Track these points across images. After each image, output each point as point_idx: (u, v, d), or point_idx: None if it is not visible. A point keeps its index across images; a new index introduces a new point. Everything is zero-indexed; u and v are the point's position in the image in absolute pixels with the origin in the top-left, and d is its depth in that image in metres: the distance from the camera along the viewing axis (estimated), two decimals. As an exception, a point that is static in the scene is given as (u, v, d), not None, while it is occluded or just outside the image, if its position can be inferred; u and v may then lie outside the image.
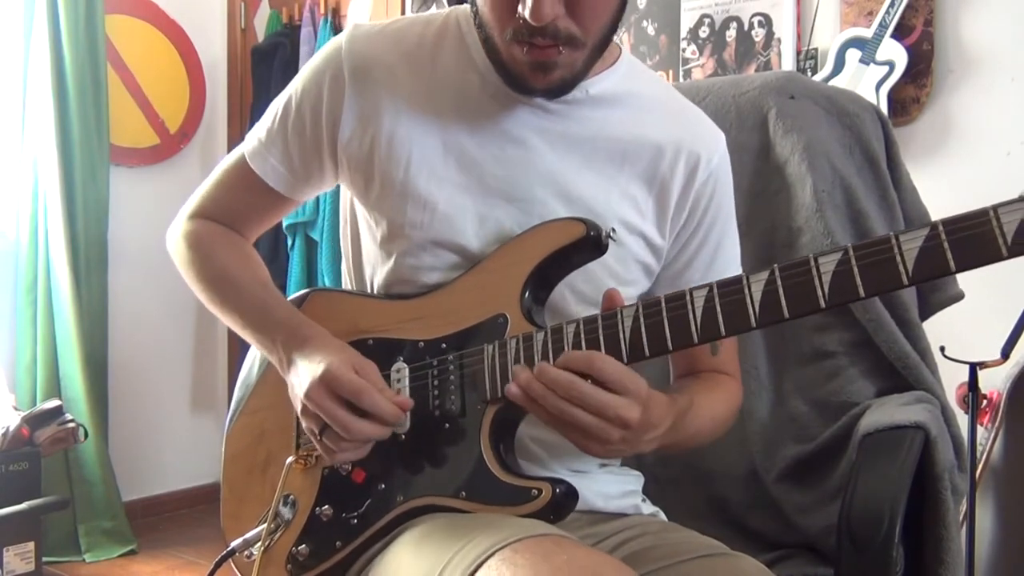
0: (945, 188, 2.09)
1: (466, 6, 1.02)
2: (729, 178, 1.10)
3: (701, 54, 2.59)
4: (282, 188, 1.10)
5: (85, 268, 3.05)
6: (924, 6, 2.25)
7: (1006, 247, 0.72)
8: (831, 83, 2.26)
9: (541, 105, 0.99)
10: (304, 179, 1.09)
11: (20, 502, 2.58)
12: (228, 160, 1.14)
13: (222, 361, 3.68)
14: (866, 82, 2.25)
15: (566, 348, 0.88)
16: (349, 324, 1.02)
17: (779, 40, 2.45)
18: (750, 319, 0.81)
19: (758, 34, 2.49)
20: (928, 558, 1.15)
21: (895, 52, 2.24)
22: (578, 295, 1.01)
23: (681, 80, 2.60)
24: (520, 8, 0.88)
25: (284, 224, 3.18)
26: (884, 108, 2.21)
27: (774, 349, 1.41)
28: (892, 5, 2.24)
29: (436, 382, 0.96)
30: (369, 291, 1.08)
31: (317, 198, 2.83)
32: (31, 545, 2.61)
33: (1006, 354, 1.78)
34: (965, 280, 1.08)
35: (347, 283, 1.15)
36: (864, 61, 2.27)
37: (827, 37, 2.39)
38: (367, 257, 1.08)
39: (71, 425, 2.75)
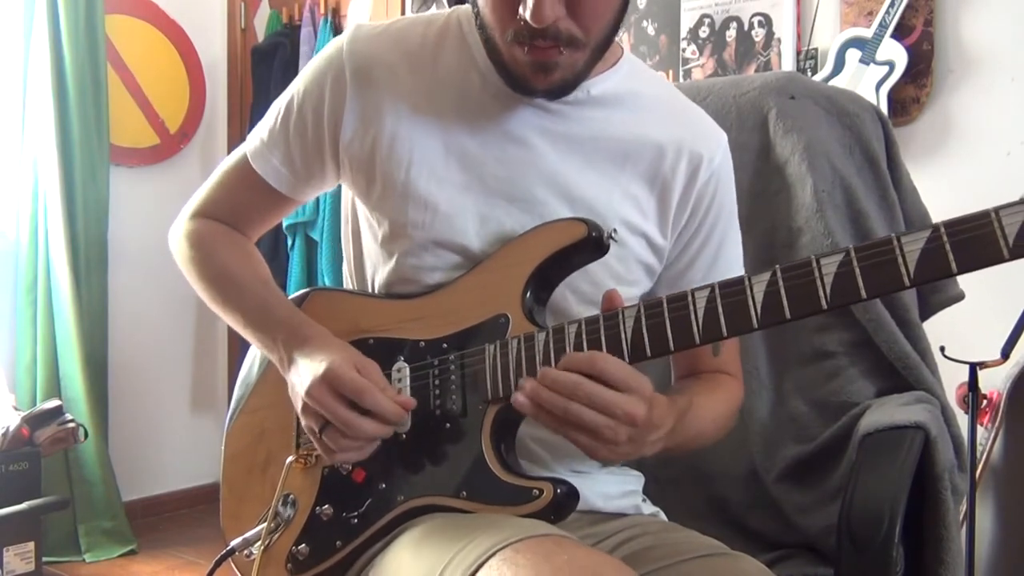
0: (945, 188, 2.09)
1: (467, 6, 1.02)
2: (731, 178, 1.10)
3: (701, 54, 2.59)
4: (284, 188, 1.10)
5: (85, 268, 3.05)
6: (924, 6, 2.25)
7: (1007, 249, 0.72)
8: (831, 83, 2.26)
9: (542, 105, 0.99)
10: (306, 179, 1.09)
11: (20, 502, 2.57)
12: (230, 160, 1.14)
13: (222, 361, 3.68)
14: (866, 82, 2.26)
15: (567, 348, 0.88)
16: (350, 323, 1.02)
17: (779, 40, 2.45)
18: (752, 320, 0.81)
19: (758, 34, 2.49)
20: (928, 558, 1.15)
21: (895, 52, 2.24)
22: (579, 295, 1.01)
23: (681, 80, 2.60)
24: (521, 9, 0.88)
25: (284, 224, 3.18)
26: (884, 108, 2.21)
27: (774, 349, 1.41)
28: (892, 5, 2.24)
29: (437, 382, 0.96)
30: (370, 291, 1.08)
31: (317, 198, 2.83)
32: (31, 545, 2.61)
33: (1006, 354, 1.78)
34: (965, 280, 1.08)
35: (348, 283, 1.15)
36: (864, 61, 2.27)
37: (827, 37, 2.39)
38: (368, 257, 1.08)
39: (71, 425, 2.75)
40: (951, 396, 1.53)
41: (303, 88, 1.06)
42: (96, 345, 3.09)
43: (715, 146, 1.07)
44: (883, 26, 2.25)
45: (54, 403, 2.78)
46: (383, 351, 0.98)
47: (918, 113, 2.27)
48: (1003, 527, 2.09)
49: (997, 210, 0.72)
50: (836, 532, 1.07)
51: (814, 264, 0.79)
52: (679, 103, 1.10)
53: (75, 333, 2.96)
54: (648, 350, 0.86)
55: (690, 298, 0.84)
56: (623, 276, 1.02)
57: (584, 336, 0.88)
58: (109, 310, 3.18)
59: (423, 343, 0.98)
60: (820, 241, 1.35)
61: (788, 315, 0.80)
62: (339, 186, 1.12)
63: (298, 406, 0.96)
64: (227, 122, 3.68)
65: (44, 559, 2.71)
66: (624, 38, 2.71)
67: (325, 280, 3.12)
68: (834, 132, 1.41)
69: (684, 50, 2.62)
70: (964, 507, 1.70)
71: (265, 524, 1.01)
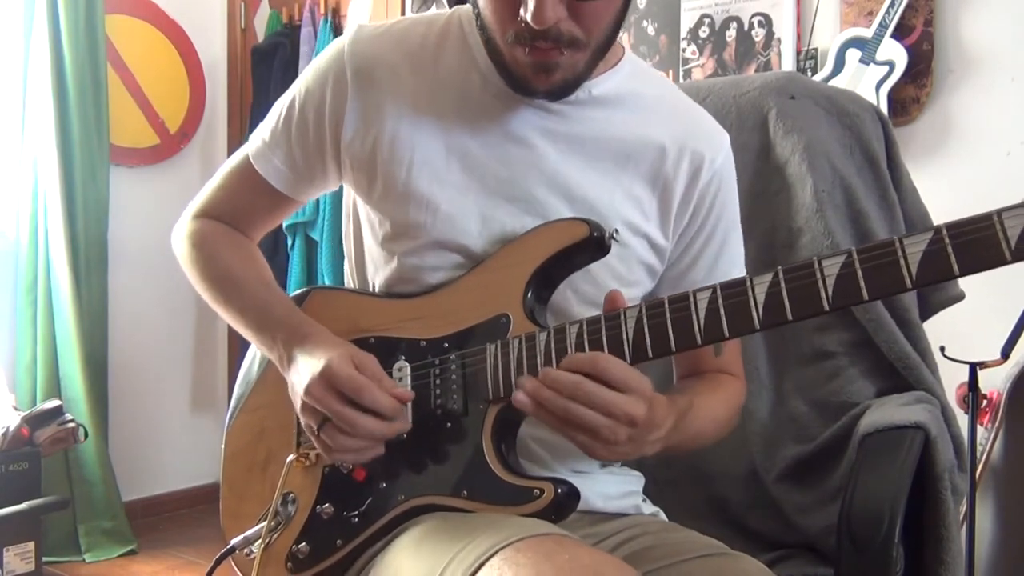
0: (945, 188, 2.09)
1: (468, 6, 1.02)
2: (733, 178, 1.10)
3: (701, 54, 2.59)
4: (286, 189, 1.10)
5: (85, 268, 3.05)
6: (924, 6, 2.25)
7: (1009, 251, 0.72)
8: (831, 83, 2.26)
9: (544, 106, 0.99)
10: (307, 180, 1.10)
11: (20, 502, 2.57)
12: (232, 160, 1.14)
13: (222, 361, 3.68)
14: (866, 82, 2.26)
15: (569, 349, 0.88)
16: (350, 322, 1.02)
17: (779, 40, 2.46)
18: (754, 321, 0.81)
19: (758, 34, 2.49)
20: (928, 558, 1.15)
21: (895, 52, 2.24)
22: (580, 295, 1.01)
23: (681, 80, 2.60)
24: (522, 11, 0.88)
25: (284, 224, 3.18)
26: (884, 108, 2.21)
27: (774, 349, 1.41)
28: (892, 5, 2.24)
29: (438, 381, 0.96)
30: (371, 290, 1.08)
31: (317, 198, 2.83)
32: (31, 545, 2.61)
33: (1006, 354, 1.78)
34: (965, 280, 1.07)
35: (349, 282, 1.16)
36: (864, 61, 2.27)
37: (827, 37, 2.39)
38: (370, 256, 1.08)
39: (71, 425, 2.75)
40: (951, 396, 1.53)
41: (304, 88, 1.06)
42: (96, 345, 3.09)
43: (717, 146, 1.07)
44: (883, 26, 2.25)
45: (54, 403, 2.78)
46: (384, 350, 0.98)
47: (918, 113, 2.27)
48: (1003, 527, 2.09)
49: (999, 212, 0.72)
50: (836, 532, 1.07)
51: (816, 265, 0.79)
52: (681, 103, 1.10)
53: (75, 333, 2.96)
54: (650, 351, 0.86)
55: (692, 299, 0.84)
56: (624, 276, 1.02)
57: (585, 336, 0.88)
58: (109, 310, 3.18)
59: (424, 342, 0.98)
60: (820, 241, 1.35)
61: (790, 316, 0.80)
62: (340, 186, 1.13)
63: (297, 405, 0.96)
64: (227, 122, 3.68)
65: (44, 559, 2.71)
66: (624, 38, 2.71)
67: (325, 280, 3.12)
68: (834, 132, 1.41)
69: (684, 50, 2.62)
70: (964, 507, 1.70)
71: (265, 523, 1.01)
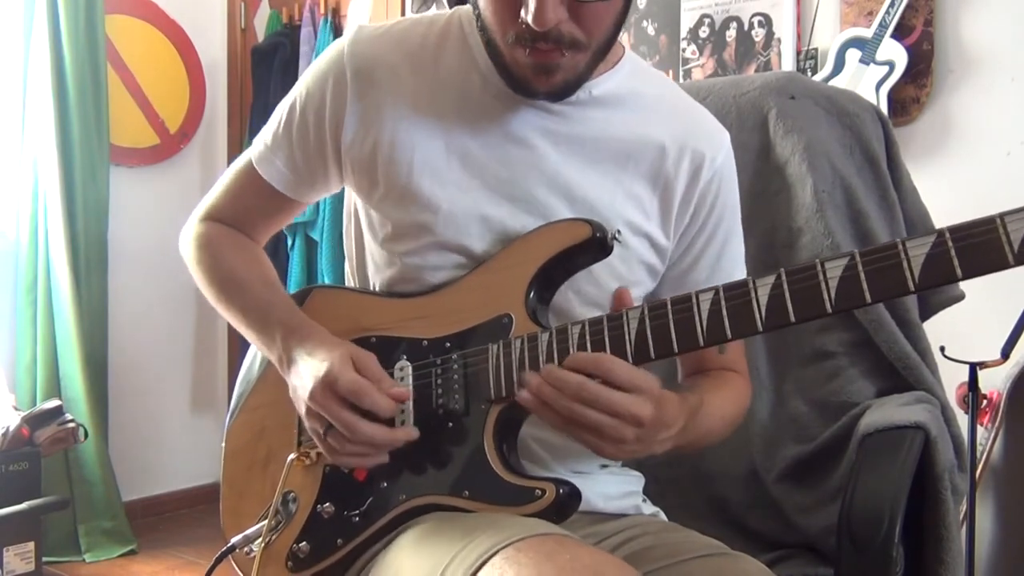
0: (945, 188, 2.09)
1: (468, 7, 1.02)
2: (734, 177, 1.10)
3: (701, 54, 2.59)
4: (288, 191, 1.11)
5: (85, 268, 3.05)
6: (924, 6, 2.25)
7: (1012, 255, 0.72)
8: (831, 83, 2.26)
9: (544, 106, 0.99)
10: (309, 182, 1.10)
11: (20, 502, 2.57)
12: (237, 164, 1.15)
13: (222, 361, 3.68)
14: (866, 82, 2.26)
15: (571, 349, 0.88)
16: (351, 322, 1.02)
17: (779, 40, 2.46)
18: (756, 323, 0.81)
19: (758, 34, 2.49)
20: (928, 558, 1.15)
21: (895, 52, 2.24)
22: (581, 296, 1.01)
23: (681, 80, 2.60)
24: (523, 12, 0.87)
25: (284, 224, 3.18)
26: (884, 108, 2.21)
27: (775, 350, 1.41)
28: (892, 5, 2.24)
29: (440, 381, 0.96)
30: (372, 290, 1.08)
31: (317, 198, 2.83)
32: (31, 545, 2.61)
33: (1006, 354, 1.78)
34: (965, 281, 1.08)
35: (350, 282, 1.16)
36: (864, 61, 2.27)
37: (827, 37, 2.39)
38: (371, 257, 1.08)
39: (71, 425, 2.75)
40: (951, 396, 1.53)
41: (305, 91, 1.06)
42: (96, 345, 3.09)
43: (718, 145, 1.07)
44: (883, 26, 2.25)
45: (54, 403, 2.78)
46: (385, 349, 0.98)
47: (918, 113, 2.27)
48: (1003, 527, 2.09)
49: (1002, 216, 0.72)
50: (836, 532, 1.07)
51: (819, 267, 0.79)
52: (681, 102, 1.10)
53: (75, 333, 2.96)
54: (652, 352, 0.86)
55: (694, 300, 0.84)
56: (625, 277, 1.02)
57: (588, 337, 0.88)
58: (109, 310, 3.18)
59: (426, 342, 0.98)
60: (820, 241, 1.35)
61: (792, 318, 0.80)
62: (343, 188, 1.13)
63: (302, 409, 0.96)
64: (227, 122, 3.68)
65: (44, 559, 2.71)
66: (624, 38, 2.70)
67: (325, 280, 3.12)
68: (834, 132, 1.41)
69: (684, 50, 2.62)
70: (964, 507, 1.70)
71: (266, 521, 1.01)
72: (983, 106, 2.20)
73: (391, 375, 0.97)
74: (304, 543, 0.99)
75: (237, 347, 3.50)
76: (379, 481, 0.96)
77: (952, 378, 1.68)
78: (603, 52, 0.95)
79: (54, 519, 2.87)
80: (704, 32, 2.59)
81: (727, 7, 2.54)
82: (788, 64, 2.44)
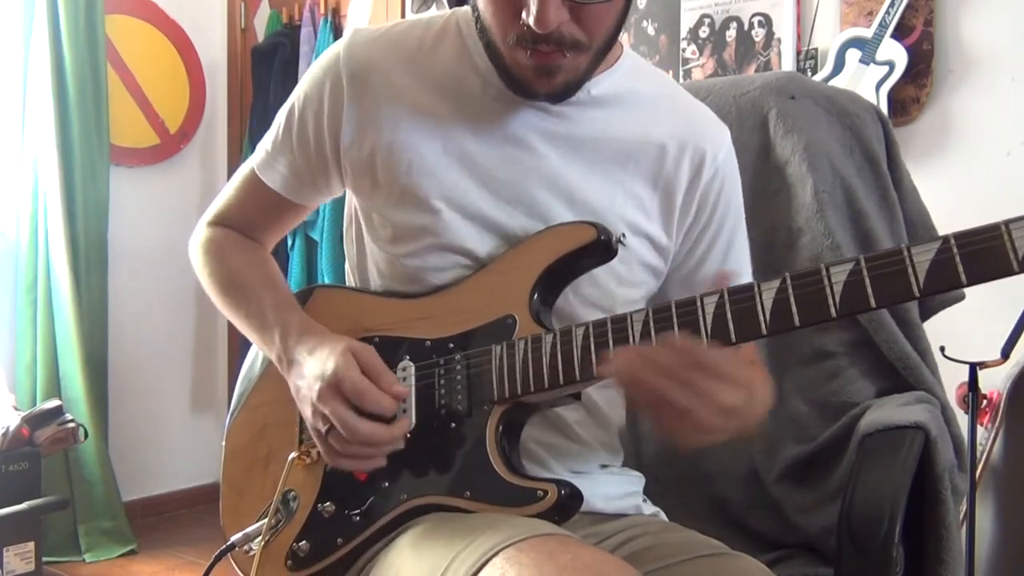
0: (945, 188, 2.09)
1: (467, 8, 1.02)
2: (736, 173, 1.10)
3: (701, 54, 2.60)
4: (291, 195, 1.11)
5: (85, 268, 3.06)
6: (924, 6, 2.25)
7: (1017, 262, 0.72)
8: (831, 83, 2.26)
9: (543, 107, 0.99)
10: (312, 186, 1.10)
11: (20, 502, 2.58)
12: (241, 171, 1.16)
13: (222, 361, 3.68)
14: (866, 82, 2.26)
15: (575, 351, 0.88)
16: (354, 321, 1.02)
17: (779, 40, 2.46)
18: (761, 326, 0.81)
19: (758, 34, 2.49)
20: (928, 558, 1.15)
21: (895, 52, 2.24)
22: (582, 297, 1.00)
23: (681, 80, 2.60)
24: (524, 14, 0.87)
25: (283, 224, 3.18)
26: (884, 108, 2.21)
27: (774, 349, 1.41)
28: (892, 5, 2.24)
29: (442, 381, 0.96)
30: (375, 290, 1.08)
31: (317, 198, 2.83)
32: (31, 545, 2.61)
33: (1006, 354, 1.78)
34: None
35: (351, 283, 1.16)
36: (864, 61, 2.28)
37: (827, 37, 2.39)
38: (372, 258, 1.08)
39: (71, 425, 2.75)
40: (951, 396, 1.53)
41: (303, 95, 1.06)
42: (96, 345, 3.09)
43: (719, 142, 1.07)
44: (883, 26, 2.25)
45: (54, 403, 2.78)
46: (388, 350, 0.98)
47: (918, 113, 2.27)
48: (1003, 527, 2.09)
49: (1007, 223, 0.73)
50: (836, 532, 1.07)
51: (824, 272, 0.79)
52: (681, 100, 1.10)
53: (75, 333, 2.96)
54: None
55: (699, 303, 0.84)
56: (626, 278, 1.02)
57: (592, 339, 0.88)
58: (109, 310, 3.19)
59: (429, 342, 0.98)
60: (820, 241, 1.35)
61: (797, 323, 0.80)
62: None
63: (306, 410, 0.95)
64: (227, 122, 3.68)
65: (44, 559, 2.71)
66: (624, 38, 2.70)
67: (325, 280, 3.12)
68: (834, 132, 1.41)
69: (684, 50, 2.62)
70: (964, 507, 1.70)
71: (265, 520, 1.01)
72: (983, 106, 2.20)
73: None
74: (304, 542, 0.99)
75: (237, 347, 3.51)
76: (380, 481, 0.96)
77: (952, 378, 1.68)
78: (604, 53, 0.95)
79: (54, 519, 2.87)
80: (704, 32, 2.59)
81: (727, 7, 2.54)
82: (788, 64, 2.44)
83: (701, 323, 0.83)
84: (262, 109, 3.36)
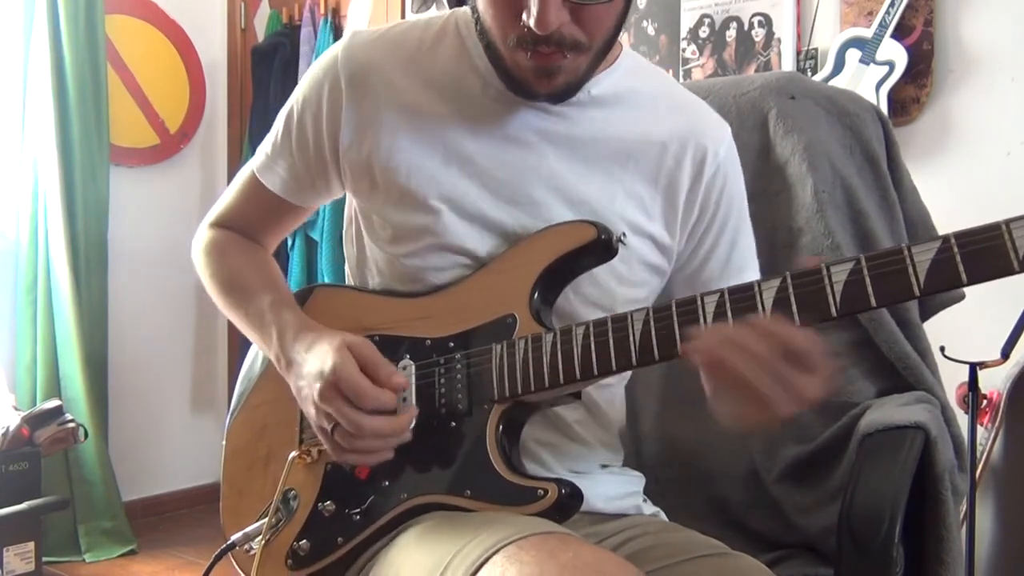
0: (945, 188, 2.09)
1: (466, 9, 1.01)
2: (739, 169, 1.10)
3: (701, 54, 2.60)
4: (292, 198, 1.12)
5: (85, 268, 3.06)
6: (924, 6, 2.25)
7: (1018, 261, 0.72)
8: (831, 83, 2.26)
9: (543, 107, 0.99)
10: (312, 188, 1.11)
11: (20, 502, 2.58)
12: (241, 174, 1.16)
13: (222, 361, 3.68)
14: (866, 82, 2.26)
15: (575, 350, 0.88)
16: (354, 321, 1.02)
17: (779, 40, 2.46)
18: None
19: (758, 34, 2.49)
20: (928, 558, 1.15)
21: (895, 52, 2.24)
22: (582, 296, 1.00)
23: (681, 80, 2.60)
24: (524, 16, 0.87)
25: (284, 224, 3.18)
26: (884, 108, 2.21)
27: (774, 349, 1.41)
28: (892, 5, 2.24)
29: (443, 380, 0.96)
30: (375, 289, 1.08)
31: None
32: (31, 545, 2.61)
33: (1006, 354, 1.78)
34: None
35: (351, 283, 1.16)
36: (864, 61, 2.28)
37: (827, 37, 2.39)
38: (371, 259, 1.08)
39: (71, 425, 2.75)
40: (951, 396, 1.53)
41: (302, 98, 1.06)
42: (96, 345, 3.09)
43: (719, 138, 1.07)
44: (883, 26, 2.25)
45: (54, 403, 2.78)
46: (388, 349, 0.98)
47: (918, 113, 2.27)
48: (1003, 527, 2.09)
49: (1008, 222, 0.73)
50: (836, 532, 1.07)
51: (824, 271, 0.79)
52: (680, 97, 1.10)
53: (75, 333, 2.96)
54: (656, 353, 0.86)
55: (699, 302, 0.84)
56: (627, 277, 1.02)
57: (592, 338, 0.88)
58: (109, 310, 3.19)
59: (429, 341, 0.98)
60: (820, 241, 1.35)
61: (797, 321, 0.80)
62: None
63: (309, 409, 0.95)
64: (227, 122, 3.68)
65: (44, 559, 2.71)
66: (624, 38, 2.70)
67: (325, 280, 3.12)
68: (834, 132, 1.41)
69: (684, 50, 2.62)
70: (964, 507, 1.70)
71: (266, 519, 1.01)
72: (983, 106, 2.20)
73: None
74: (304, 541, 0.99)
75: (237, 347, 3.51)
76: (380, 480, 0.96)
77: (952, 378, 1.68)
78: (604, 53, 0.95)
79: (54, 519, 2.87)
80: (704, 32, 2.59)
81: (727, 7, 2.54)
82: (788, 64, 2.44)
83: (701, 322, 0.83)
84: (262, 109, 3.36)
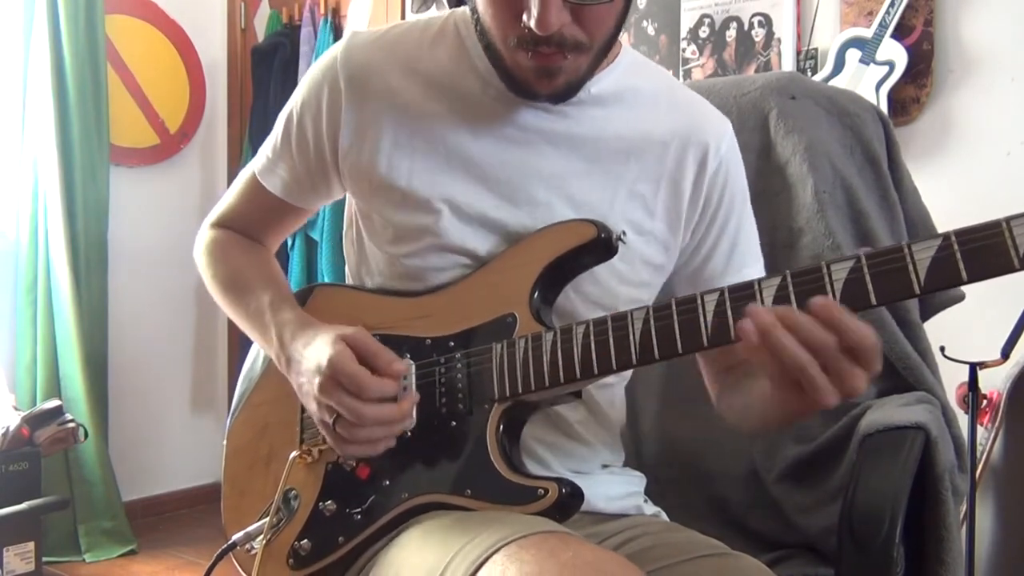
0: (945, 188, 2.09)
1: (464, 9, 1.01)
2: (740, 164, 1.10)
3: (701, 54, 2.60)
4: (292, 199, 1.12)
5: (85, 268, 3.06)
6: (924, 6, 2.25)
7: (1018, 259, 0.72)
8: (831, 83, 2.26)
9: (543, 107, 0.99)
10: (312, 189, 1.11)
11: (20, 502, 2.58)
12: (244, 173, 1.16)
13: (222, 361, 3.68)
14: (866, 82, 2.26)
15: (575, 349, 0.88)
16: (354, 320, 1.02)
17: (779, 40, 2.46)
18: None
19: (758, 34, 2.49)
20: (929, 558, 1.15)
21: (895, 52, 2.24)
22: (583, 296, 1.00)
23: (681, 80, 2.60)
24: (525, 16, 0.87)
25: (284, 224, 3.18)
26: (884, 108, 2.21)
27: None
28: (892, 5, 2.24)
29: (443, 380, 0.96)
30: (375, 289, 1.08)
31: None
32: (31, 545, 2.61)
33: (1006, 354, 1.78)
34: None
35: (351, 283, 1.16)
36: (864, 61, 2.28)
37: (827, 37, 2.40)
38: (372, 259, 1.08)
39: (71, 425, 2.76)
40: (951, 396, 1.53)
41: (301, 100, 1.07)
42: (96, 345, 3.10)
43: (720, 134, 1.07)
44: (883, 26, 2.25)
45: (54, 403, 2.78)
46: (388, 348, 0.98)
47: (918, 113, 2.27)
48: (1003, 527, 2.09)
49: (1008, 220, 0.72)
50: (837, 532, 1.07)
51: (824, 270, 0.79)
52: (680, 94, 1.09)
53: (75, 333, 2.96)
54: (656, 352, 0.86)
55: (699, 301, 0.84)
56: (628, 276, 1.02)
57: (592, 337, 0.88)
58: (109, 310, 3.19)
59: (429, 341, 0.98)
60: (821, 241, 1.35)
61: None
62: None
63: (311, 405, 0.95)
64: (227, 122, 3.68)
65: (44, 559, 2.71)
66: (624, 38, 2.70)
67: (325, 280, 3.12)
68: (835, 132, 1.41)
69: (684, 50, 2.62)
70: (964, 507, 1.70)
71: (267, 519, 1.01)
72: (983, 106, 2.20)
73: None
74: (305, 541, 0.99)
75: (237, 347, 3.51)
76: (381, 479, 0.96)
77: (952, 378, 1.68)
78: (604, 53, 0.95)
79: (54, 519, 2.87)
80: (704, 32, 2.59)
81: (727, 7, 2.54)
82: (788, 64, 2.44)
83: (701, 321, 0.83)
84: (262, 109, 3.36)
